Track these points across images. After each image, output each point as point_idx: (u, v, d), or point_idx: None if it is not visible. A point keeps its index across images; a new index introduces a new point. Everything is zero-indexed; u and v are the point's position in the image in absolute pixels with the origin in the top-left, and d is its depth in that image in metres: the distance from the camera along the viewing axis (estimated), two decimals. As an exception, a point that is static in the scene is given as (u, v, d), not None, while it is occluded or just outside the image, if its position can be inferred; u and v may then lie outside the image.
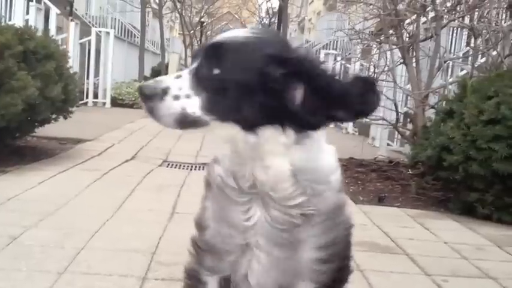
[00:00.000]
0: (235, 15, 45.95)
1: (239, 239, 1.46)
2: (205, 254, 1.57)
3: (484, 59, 6.34)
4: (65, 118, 5.78)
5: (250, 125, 1.33)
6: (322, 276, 1.48)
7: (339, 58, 12.66)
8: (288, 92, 1.30)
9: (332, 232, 1.46)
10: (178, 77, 1.32)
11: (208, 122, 1.32)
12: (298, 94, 1.30)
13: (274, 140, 1.34)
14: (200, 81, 1.31)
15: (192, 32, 35.45)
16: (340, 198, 1.49)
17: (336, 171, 1.47)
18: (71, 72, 5.98)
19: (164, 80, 1.32)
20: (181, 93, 1.29)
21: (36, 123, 5.51)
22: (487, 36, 5.92)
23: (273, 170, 1.37)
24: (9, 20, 9.43)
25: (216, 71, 1.30)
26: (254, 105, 1.30)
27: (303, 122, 1.32)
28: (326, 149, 1.46)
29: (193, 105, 1.30)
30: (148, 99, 1.29)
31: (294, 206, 1.40)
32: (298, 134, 1.34)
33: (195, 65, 1.34)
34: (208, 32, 40.97)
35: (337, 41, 19.50)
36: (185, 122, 1.30)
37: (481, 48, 6.09)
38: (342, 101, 1.30)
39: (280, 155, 1.36)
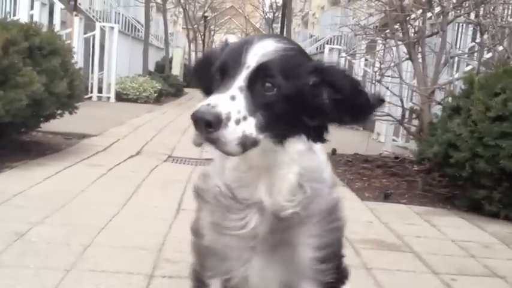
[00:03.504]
0: (239, 10, 45.86)
1: (237, 246, 1.48)
2: (205, 258, 1.59)
3: (490, 55, 6.31)
4: (70, 113, 5.79)
5: (285, 137, 1.34)
6: (323, 275, 1.51)
7: (343, 53, 12.63)
8: (320, 99, 1.32)
9: (329, 234, 1.49)
10: (233, 98, 1.24)
11: (260, 141, 1.28)
12: (325, 99, 1.32)
13: (294, 150, 1.36)
14: (254, 100, 1.25)
15: (195, 26, 35.45)
16: (335, 197, 1.52)
17: (327, 167, 1.51)
18: (76, 67, 5.98)
19: (221, 104, 1.22)
20: (240, 116, 1.23)
21: (41, 119, 5.52)
22: (494, 32, 5.88)
23: (281, 181, 1.39)
24: (14, 15, 9.41)
25: (270, 90, 1.27)
26: (299, 117, 1.32)
27: (324, 129, 1.36)
28: (317, 147, 1.46)
29: (251, 126, 1.25)
30: (211, 127, 1.20)
31: (289, 215, 1.42)
32: (311, 141, 1.38)
33: (241, 82, 1.26)
34: (212, 26, 40.93)
35: (341, 36, 19.43)
36: (245, 145, 1.25)
37: (487, 43, 6.05)
38: (361, 110, 1.35)
39: (292, 164, 1.38)
